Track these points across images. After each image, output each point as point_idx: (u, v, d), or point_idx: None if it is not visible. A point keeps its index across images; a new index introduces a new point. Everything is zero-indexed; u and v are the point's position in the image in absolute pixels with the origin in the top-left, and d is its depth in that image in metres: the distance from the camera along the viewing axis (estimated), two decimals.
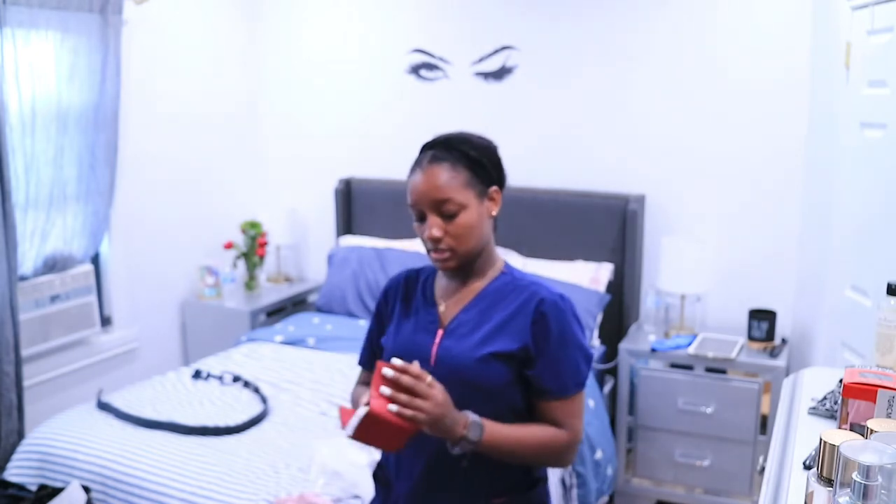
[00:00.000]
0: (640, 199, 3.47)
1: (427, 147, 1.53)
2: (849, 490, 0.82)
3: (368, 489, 2.26)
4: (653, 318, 3.43)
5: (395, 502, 1.59)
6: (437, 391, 1.37)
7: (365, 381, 1.68)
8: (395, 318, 1.61)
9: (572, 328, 1.49)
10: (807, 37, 3.17)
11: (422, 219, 1.49)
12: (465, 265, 1.53)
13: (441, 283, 1.59)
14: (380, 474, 1.67)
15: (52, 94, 3.06)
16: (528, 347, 1.47)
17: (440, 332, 1.53)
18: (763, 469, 1.46)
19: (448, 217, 1.46)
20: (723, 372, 3.16)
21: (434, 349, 1.52)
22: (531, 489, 1.58)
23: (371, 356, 1.67)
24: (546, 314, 1.47)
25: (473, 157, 1.49)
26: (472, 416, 1.41)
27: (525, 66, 3.65)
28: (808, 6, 3.15)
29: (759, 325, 3.18)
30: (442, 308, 1.56)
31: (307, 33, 4.10)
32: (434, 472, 1.51)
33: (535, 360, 1.47)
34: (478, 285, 1.55)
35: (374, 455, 2.43)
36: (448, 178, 1.46)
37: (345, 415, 1.40)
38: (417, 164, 1.51)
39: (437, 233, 1.46)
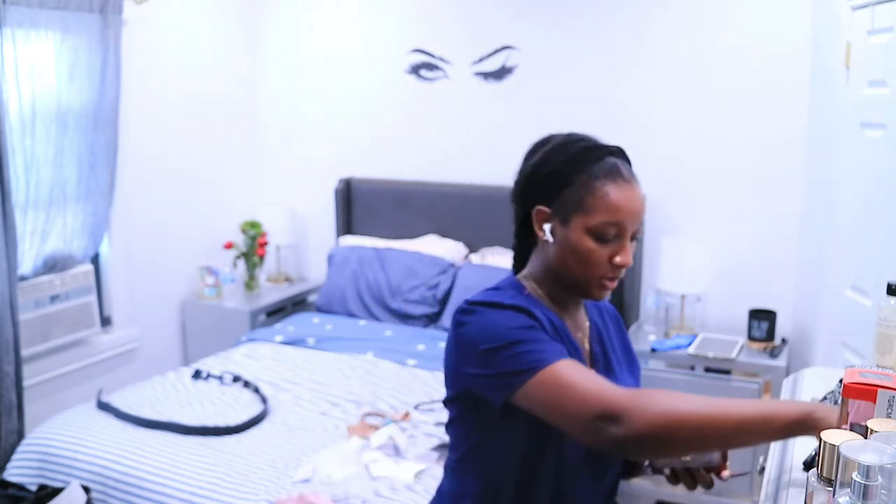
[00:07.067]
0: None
1: (606, 153, 1.24)
2: (849, 490, 0.82)
3: (368, 494, 2.26)
4: (653, 318, 3.43)
5: None
6: None
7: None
8: None
9: None
10: (807, 37, 3.17)
11: (604, 239, 1.22)
12: None
13: (562, 313, 1.33)
14: None
15: (52, 94, 3.06)
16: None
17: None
18: (763, 469, 1.46)
19: (632, 241, 1.26)
20: (723, 372, 3.16)
21: None
22: None
23: None
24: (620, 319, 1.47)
25: None
26: None
27: (525, 66, 3.65)
28: (808, 6, 3.15)
29: (759, 325, 3.18)
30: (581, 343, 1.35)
31: (307, 33, 4.10)
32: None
33: None
34: (584, 313, 1.39)
35: (373, 464, 2.42)
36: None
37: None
38: (617, 173, 1.21)
39: (630, 259, 1.23)
